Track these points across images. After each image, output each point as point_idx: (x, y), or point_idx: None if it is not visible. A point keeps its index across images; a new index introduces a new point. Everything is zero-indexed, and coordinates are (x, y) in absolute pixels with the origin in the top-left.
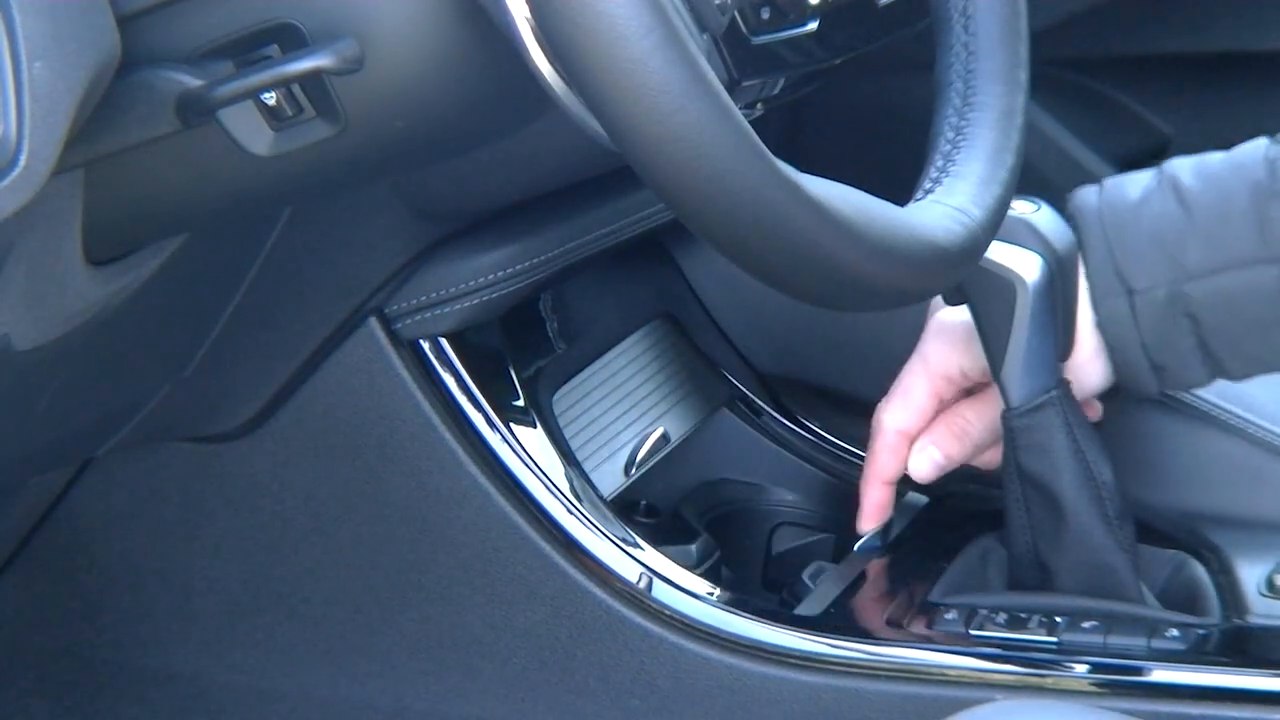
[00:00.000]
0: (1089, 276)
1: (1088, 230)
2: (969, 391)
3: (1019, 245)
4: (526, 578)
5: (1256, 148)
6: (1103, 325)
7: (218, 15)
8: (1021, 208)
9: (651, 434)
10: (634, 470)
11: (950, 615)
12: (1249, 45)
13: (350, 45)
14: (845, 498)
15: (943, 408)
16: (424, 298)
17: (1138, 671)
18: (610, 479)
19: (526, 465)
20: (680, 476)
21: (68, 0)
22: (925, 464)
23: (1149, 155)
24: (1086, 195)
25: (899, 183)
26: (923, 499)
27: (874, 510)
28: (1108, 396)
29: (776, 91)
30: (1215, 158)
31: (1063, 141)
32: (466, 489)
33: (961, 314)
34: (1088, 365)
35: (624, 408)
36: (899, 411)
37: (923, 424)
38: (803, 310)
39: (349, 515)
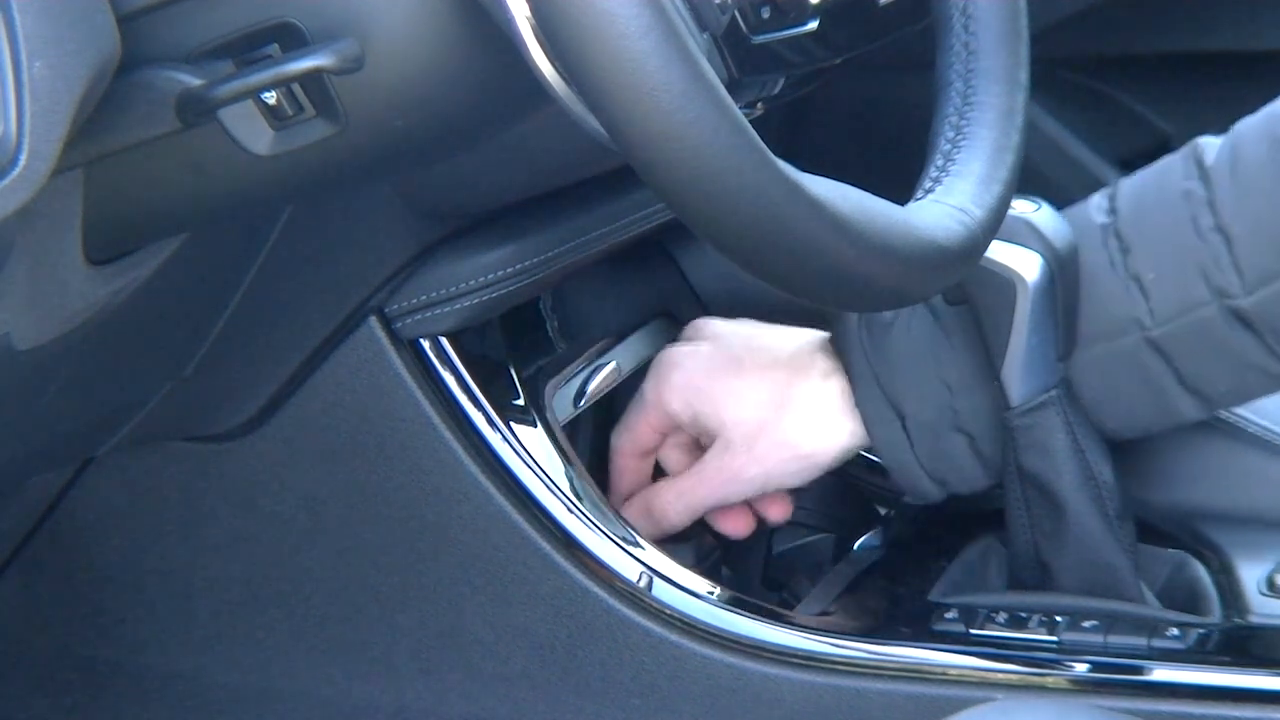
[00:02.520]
0: (858, 404)
1: (852, 354)
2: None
3: (1019, 244)
4: (526, 577)
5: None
6: (879, 450)
7: (218, 14)
8: (1022, 207)
9: (604, 366)
10: (583, 401)
11: (950, 615)
12: (1249, 45)
13: (350, 45)
14: (845, 498)
15: (665, 435)
16: (424, 297)
17: (1138, 671)
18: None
19: (526, 465)
20: None
21: (67, 0)
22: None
23: (1149, 155)
24: (848, 324)
25: (899, 182)
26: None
27: (628, 514)
28: None
29: (776, 91)
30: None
31: (1063, 141)
32: (466, 488)
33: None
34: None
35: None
36: (623, 436)
37: (649, 444)
38: (802, 310)
39: (349, 515)
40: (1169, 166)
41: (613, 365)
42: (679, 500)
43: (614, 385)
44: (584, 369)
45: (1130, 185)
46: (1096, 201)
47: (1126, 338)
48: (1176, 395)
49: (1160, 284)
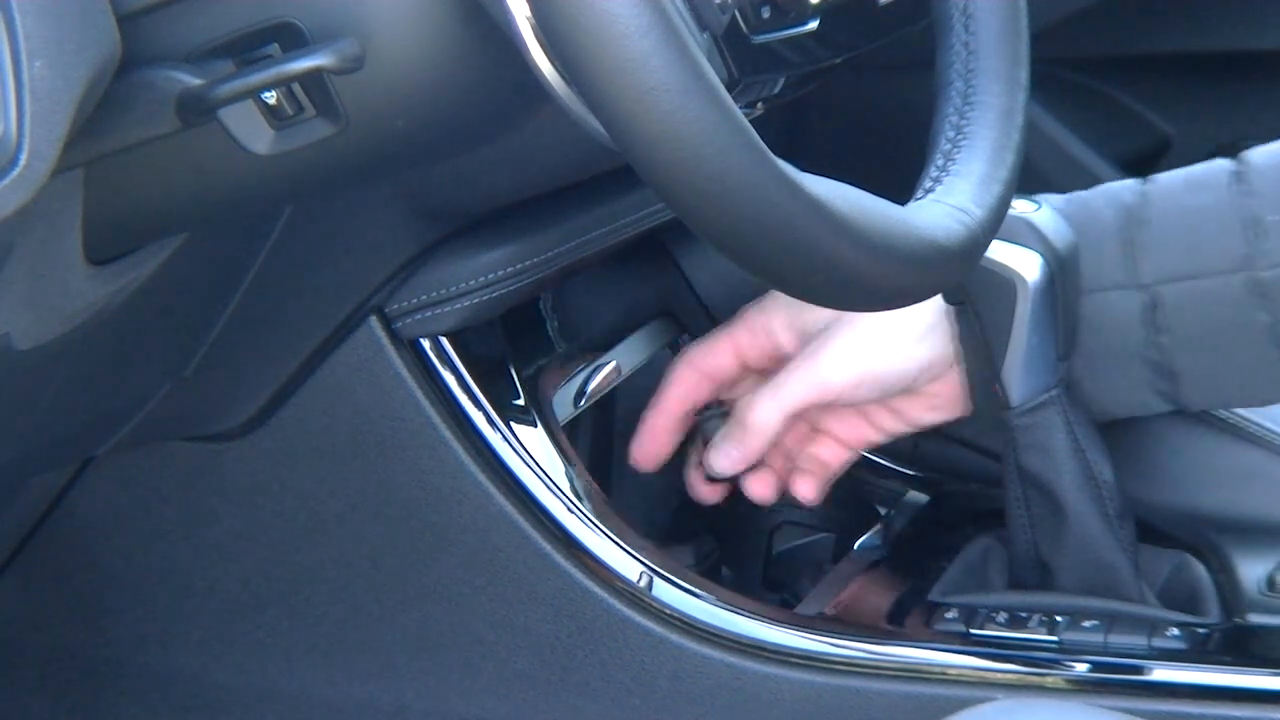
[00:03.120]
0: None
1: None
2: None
3: (1019, 244)
4: (527, 577)
5: (1126, 182)
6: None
7: (218, 14)
8: (1022, 207)
9: (605, 365)
10: (583, 401)
11: (950, 615)
12: (1249, 45)
13: (351, 44)
14: (845, 498)
15: (743, 363)
16: (424, 297)
17: (1138, 671)
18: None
19: (526, 465)
20: (681, 477)
21: (67, 0)
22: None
23: (1149, 155)
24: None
25: (899, 182)
26: (923, 498)
27: (647, 436)
28: None
29: (777, 91)
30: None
31: (1063, 141)
32: (466, 488)
33: None
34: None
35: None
36: (696, 348)
37: (719, 366)
38: None
39: (349, 515)
40: None
41: (613, 365)
42: (772, 396)
43: (614, 385)
44: (584, 369)
45: (1265, 147)
46: (1227, 159)
47: (1235, 275)
48: (1266, 353)
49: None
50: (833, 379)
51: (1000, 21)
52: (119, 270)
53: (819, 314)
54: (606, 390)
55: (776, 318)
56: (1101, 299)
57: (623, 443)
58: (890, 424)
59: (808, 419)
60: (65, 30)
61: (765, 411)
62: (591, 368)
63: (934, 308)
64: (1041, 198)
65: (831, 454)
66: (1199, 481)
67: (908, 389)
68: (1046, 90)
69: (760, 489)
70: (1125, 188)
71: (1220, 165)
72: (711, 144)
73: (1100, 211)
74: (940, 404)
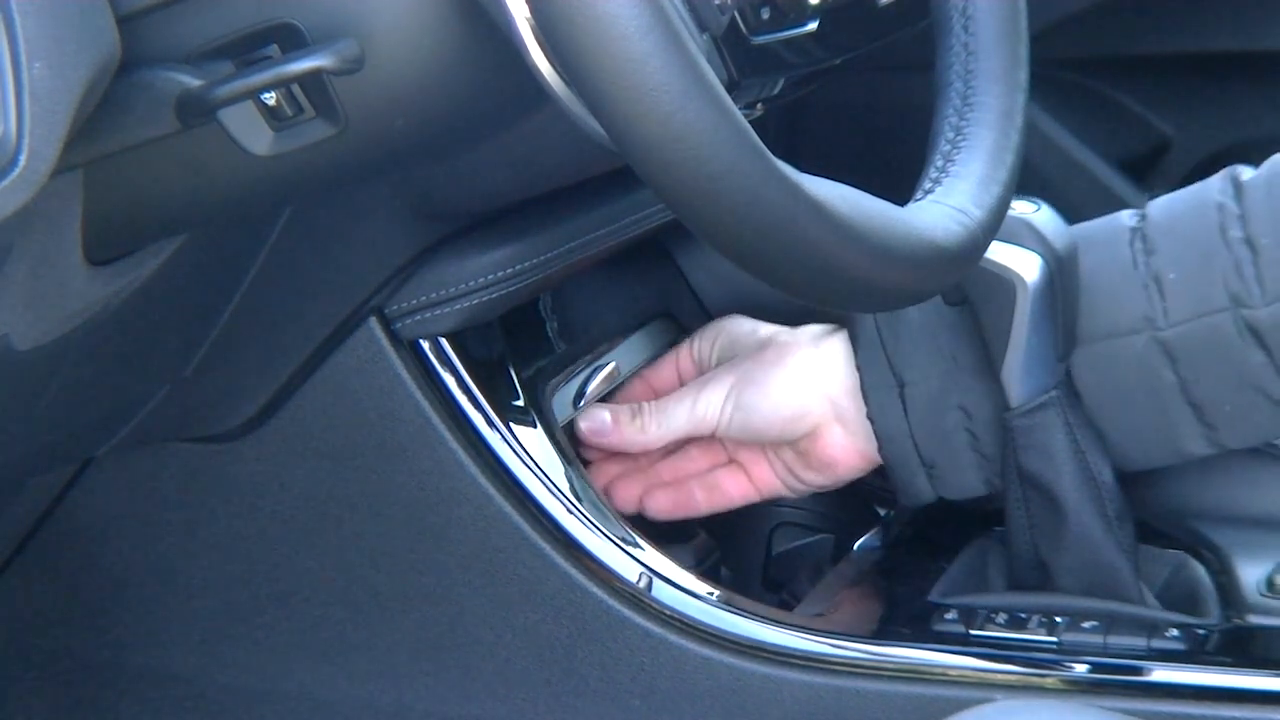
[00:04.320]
0: (859, 367)
1: (860, 320)
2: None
3: (1019, 245)
4: (526, 578)
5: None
6: (873, 417)
7: (217, 15)
8: (1021, 208)
9: (604, 367)
10: (582, 402)
11: (950, 615)
12: (1249, 45)
13: (350, 45)
14: (845, 498)
15: (682, 380)
16: (424, 298)
17: (1138, 671)
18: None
19: (526, 465)
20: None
21: (67, 0)
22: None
23: (1149, 156)
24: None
25: (899, 183)
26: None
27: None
28: None
29: (776, 91)
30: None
31: (1063, 141)
32: (466, 489)
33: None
34: (848, 453)
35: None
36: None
37: (663, 380)
38: (803, 310)
39: (349, 515)
40: (1206, 184)
41: (612, 366)
42: (658, 412)
43: (614, 386)
44: (584, 369)
45: (1164, 199)
46: (1129, 212)
47: (1138, 336)
48: (1179, 410)
49: (1179, 285)
50: (708, 413)
51: (1000, 22)
52: (119, 270)
53: (744, 344)
54: (606, 391)
55: (709, 342)
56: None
57: None
58: (786, 478)
59: (727, 447)
60: (65, 31)
61: (650, 425)
62: (591, 369)
63: (808, 362)
64: None
65: (734, 486)
66: (1199, 482)
67: (786, 441)
68: (1046, 90)
69: (656, 504)
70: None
71: (1121, 222)
72: (711, 145)
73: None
74: (820, 467)
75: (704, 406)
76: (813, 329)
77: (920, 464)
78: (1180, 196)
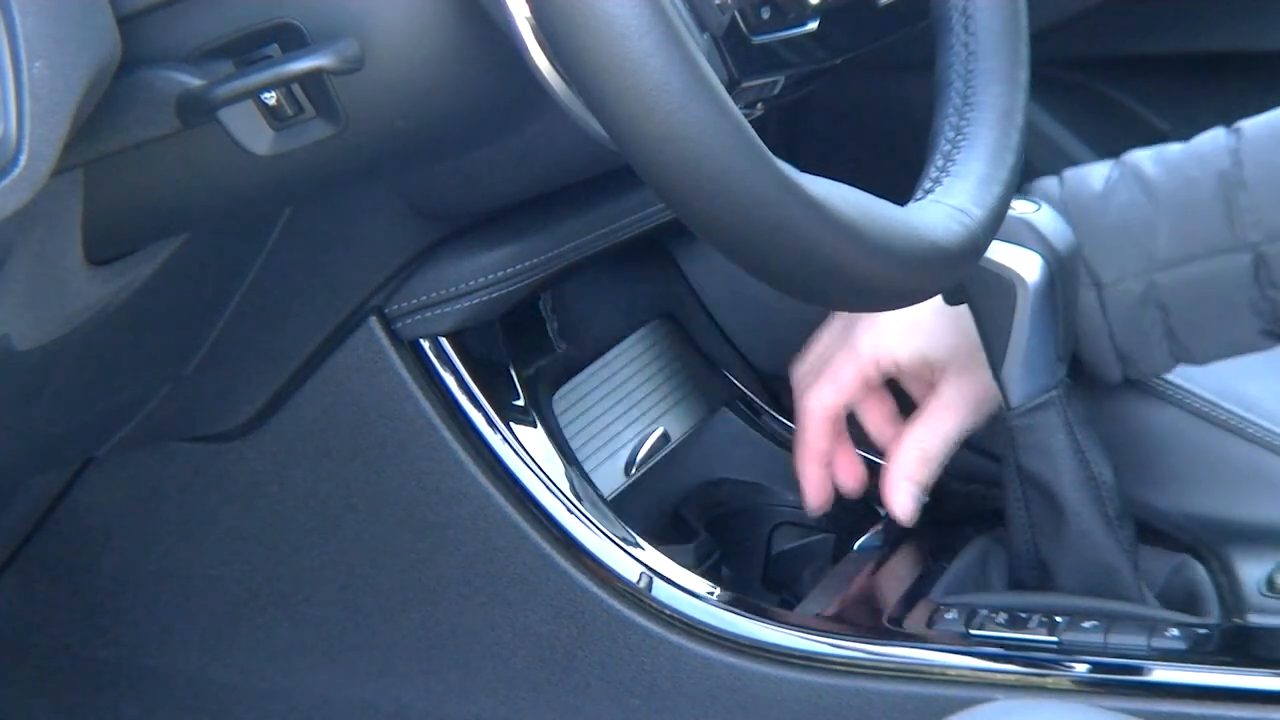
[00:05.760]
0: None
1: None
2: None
3: (1019, 245)
4: (526, 578)
5: (1216, 138)
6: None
7: (218, 15)
8: (1022, 207)
9: (652, 434)
10: (634, 470)
11: (950, 615)
12: (1249, 45)
13: (350, 45)
14: (845, 498)
15: (868, 388)
16: (424, 297)
17: (1138, 671)
18: (610, 479)
19: (526, 465)
20: (680, 476)
21: (67, 0)
22: (906, 500)
23: None
24: (1048, 186)
25: (899, 183)
26: (923, 499)
27: (815, 488)
28: (1113, 395)
29: (776, 91)
30: (1174, 149)
31: (1063, 141)
32: (466, 489)
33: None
34: None
35: (624, 408)
36: (828, 393)
37: (848, 401)
38: (803, 310)
39: (349, 515)
40: None
41: (660, 432)
42: (934, 436)
43: (662, 454)
44: (632, 440)
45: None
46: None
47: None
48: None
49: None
50: (986, 399)
51: (1000, 22)
52: (119, 270)
53: (935, 335)
54: (657, 459)
55: (899, 347)
56: (1209, 264)
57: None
58: None
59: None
60: (65, 30)
61: (939, 453)
62: (638, 438)
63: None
64: (1132, 155)
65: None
66: (1199, 482)
67: None
68: (1046, 90)
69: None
70: (1216, 149)
71: (1219, 142)
72: (711, 144)
73: (1196, 180)
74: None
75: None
76: None
77: (1116, 357)
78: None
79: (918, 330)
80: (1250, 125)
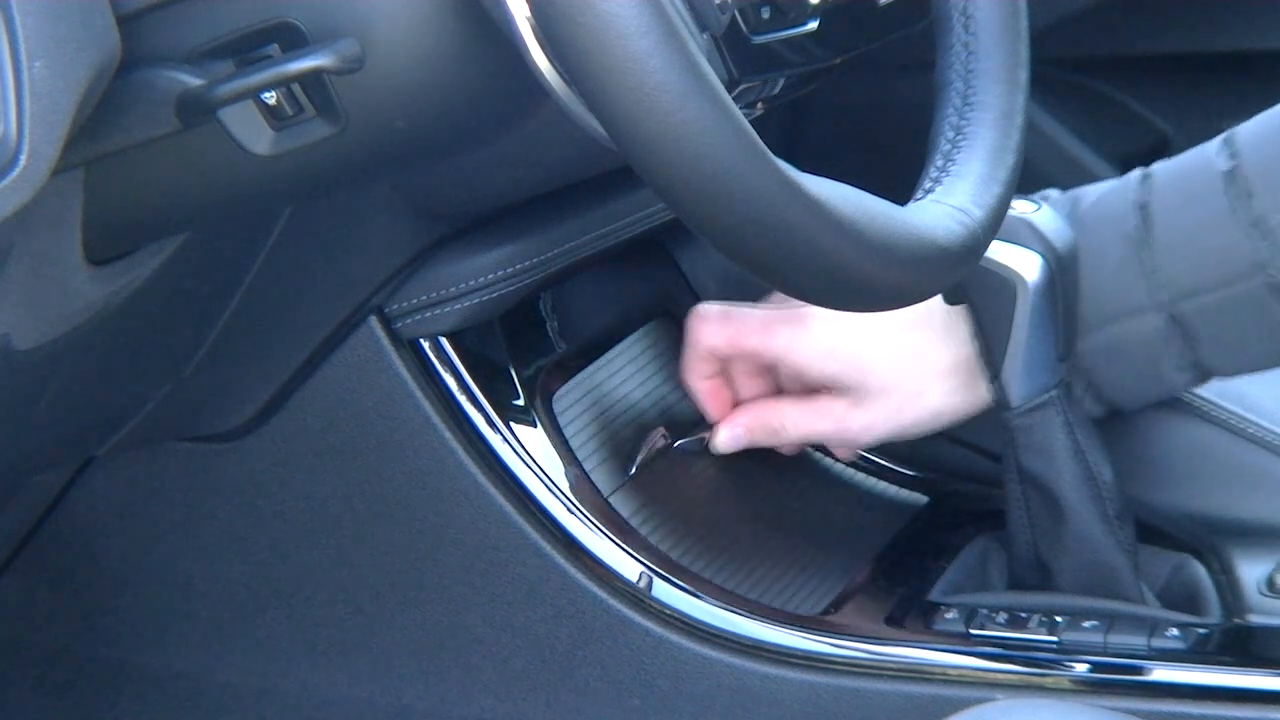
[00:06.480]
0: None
1: None
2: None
3: (1019, 245)
4: (526, 577)
5: (1125, 191)
6: None
7: (218, 14)
8: (1022, 207)
9: (652, 434)
10: (634, 470)
11: (950, 615)
12: (1249, 45)
13: (350, 45)
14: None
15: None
16: (424, 297)
17: (1138, 671)
18: (610, 479)
19: (526, 465)
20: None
21: (67, 0)
22: (729, 444)
23: (1149, 155)
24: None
25: (899, 183)
26: (923, 499)
27: (707, 402)
28: None
29: (776, 91)
30: (1087, 199)
31: (1063, 141)
32: (466, 489)
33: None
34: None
35: (624, 407)
36: (718, 341)
37: (729, 360)
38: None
39: (349, 515)
40: None
41: (661, 432)
42: (797, 430)
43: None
44: (632, 440)
45: (1251, 130)
46: (1216, 148)
47: (1249, 282)
48: None
49: None
50: (873, 432)
51: (1000, 22)
52: (119, 270)
53: (853, 362)
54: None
55: (811, 363)
56: (1124, 326)
57: None
58: None
59: None
60: (65, 30)
61: (793, 442)
62: (640, 437)
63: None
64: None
65: None
66: (1199, 482)
67: None
68: (1046, 90)
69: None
70: (1121, 207)
71: (1212, 168)
72: (711, 144)
73: (1104, 240)
74: None
75: None
76: (936, 315)
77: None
78: (1270, 125)
79: (833, 357)
80: (1162, 167)
